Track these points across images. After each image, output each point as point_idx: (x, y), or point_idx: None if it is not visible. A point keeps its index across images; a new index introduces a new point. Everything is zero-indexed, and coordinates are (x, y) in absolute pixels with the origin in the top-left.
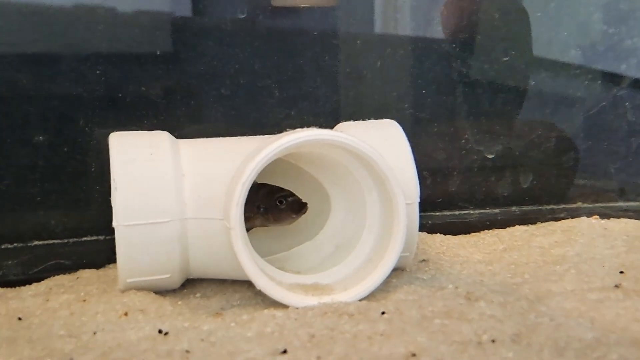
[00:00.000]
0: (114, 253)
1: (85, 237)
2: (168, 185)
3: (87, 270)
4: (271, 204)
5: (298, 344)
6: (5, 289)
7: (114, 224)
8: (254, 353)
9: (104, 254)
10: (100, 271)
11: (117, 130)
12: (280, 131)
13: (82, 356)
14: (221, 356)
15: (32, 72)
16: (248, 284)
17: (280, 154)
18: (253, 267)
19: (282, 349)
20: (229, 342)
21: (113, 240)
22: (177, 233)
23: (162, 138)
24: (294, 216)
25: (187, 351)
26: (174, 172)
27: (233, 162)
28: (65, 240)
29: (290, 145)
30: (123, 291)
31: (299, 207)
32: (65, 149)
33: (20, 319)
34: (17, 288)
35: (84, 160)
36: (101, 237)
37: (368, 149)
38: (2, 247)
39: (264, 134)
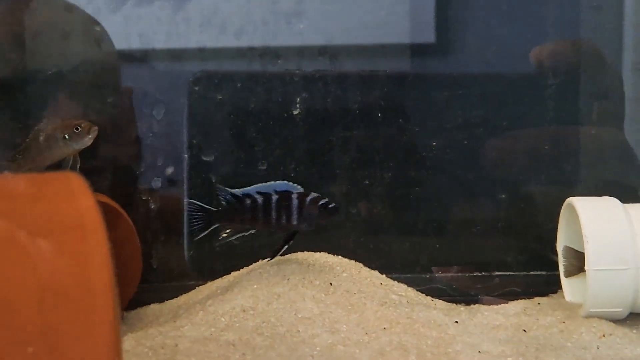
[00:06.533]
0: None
1: (533, 272)
2: (627, 240)
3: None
4: None
5: None
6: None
7: (587, 267)
8: None
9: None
10: (545, 298)
11: None
12: None
13: None
14: None
15: None
16: None
17: None
18: None
19: None
20: None
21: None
22: (632, 278)
23: (614, 203)
24: None
25: None
26: (630, 229)
27: None
28: (518, 273)
29: None
30: (585, 317)
31: None
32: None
33: (524, 330)
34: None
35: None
36: (543, 272)
37: None
38: (473, 274)
39: None
